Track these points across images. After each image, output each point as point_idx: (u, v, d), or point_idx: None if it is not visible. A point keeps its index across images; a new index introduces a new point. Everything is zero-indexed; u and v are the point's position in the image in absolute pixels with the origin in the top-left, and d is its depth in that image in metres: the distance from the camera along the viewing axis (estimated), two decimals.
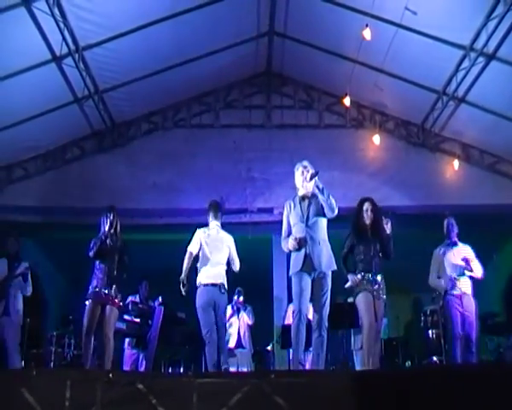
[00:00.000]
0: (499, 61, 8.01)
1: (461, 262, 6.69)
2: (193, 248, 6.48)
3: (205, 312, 6.25)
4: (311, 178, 5.46)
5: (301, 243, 5.40)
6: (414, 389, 3.50)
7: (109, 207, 6.48)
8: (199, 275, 6.43)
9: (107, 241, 6.27)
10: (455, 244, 6.87)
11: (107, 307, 6.15)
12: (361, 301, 5.74)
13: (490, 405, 3.30)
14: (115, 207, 6.53)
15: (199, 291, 6.34)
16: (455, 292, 6.63)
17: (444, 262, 6.81)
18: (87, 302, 6.14)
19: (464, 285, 6.67)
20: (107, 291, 6.14)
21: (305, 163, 5.62)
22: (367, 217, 5.91)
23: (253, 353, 9.60)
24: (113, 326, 6.24)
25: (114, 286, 6.19)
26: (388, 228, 5.99)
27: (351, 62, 9.21)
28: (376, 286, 5.75)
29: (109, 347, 6.12)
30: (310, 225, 5.46)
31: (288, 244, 5.48)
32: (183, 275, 6.24)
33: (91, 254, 6.22)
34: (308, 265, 5.36)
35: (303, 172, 5.58)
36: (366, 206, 5.97)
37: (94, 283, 6.20)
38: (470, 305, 6.61)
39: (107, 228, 6.31)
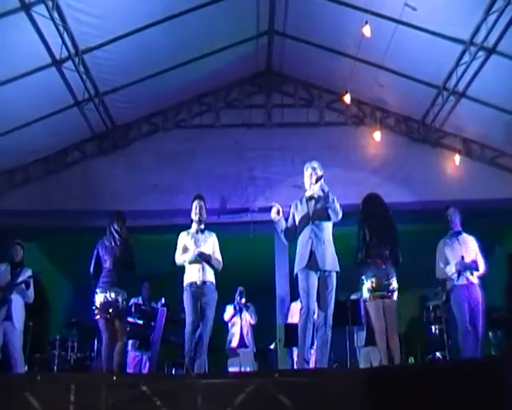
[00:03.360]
0: (499, 54, 8.00)
1: (468, 260, 6.45)
2: None
3: None
4: (316, 181, 5.50)
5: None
6: (418, 385, 3.50)
7: (117, 213, 6.49)
8: None
9: (115, 250, 6.28)
10: (459, 234, 6.68)
11: (116, 319, 6.15)
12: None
13: (496, 400, 3.29)
14: (122, 213, 6.52)
15: None
16: (461, 282, 6.40)
17: (449, 253, 6.59)
18: (98, 317, 6.14)
19: (471, 275, 6.43)
20: (113, 298, 6.12)
21: (315, 164, 5.66)
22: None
23: (255, 352, 9.59)
24: (123, 336, 6.24)
25: (120, 294, 6.17)
26: None
27: (351, 59, 9.21)
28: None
29: (119, 353, 6.12)
30: (316, 224, 5.48)
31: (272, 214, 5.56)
32: None
33: (91, 271, 6.29)
34: (313, 262, 5.37)
35: (311, 174, 5.62)
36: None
37: (100, 292, 6.17)
38: (477, 295, 6.39)
39: (116, 236, 6.33)
